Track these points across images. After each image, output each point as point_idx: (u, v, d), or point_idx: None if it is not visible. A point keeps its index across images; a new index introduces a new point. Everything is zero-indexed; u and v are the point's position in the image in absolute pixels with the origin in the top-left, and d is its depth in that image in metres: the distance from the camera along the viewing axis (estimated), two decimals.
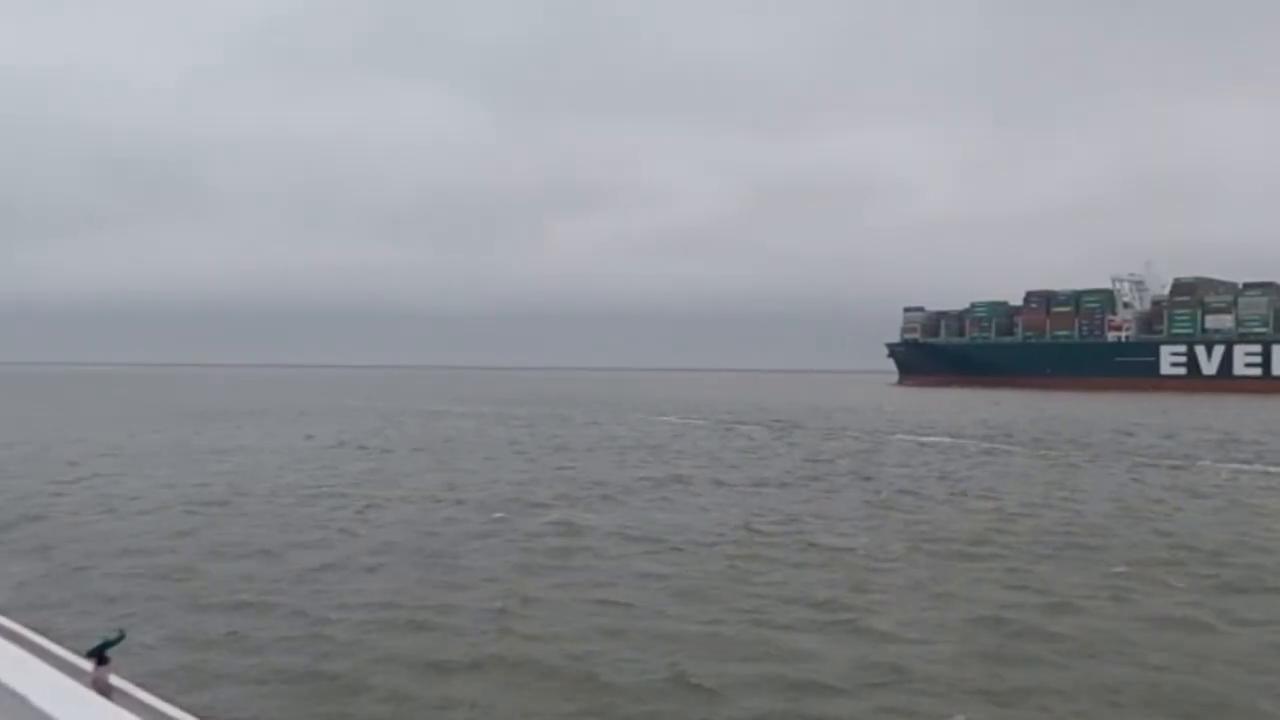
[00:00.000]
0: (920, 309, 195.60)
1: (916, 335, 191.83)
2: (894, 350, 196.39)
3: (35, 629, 6.63)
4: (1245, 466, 38.80)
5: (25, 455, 39.92)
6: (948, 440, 51.71)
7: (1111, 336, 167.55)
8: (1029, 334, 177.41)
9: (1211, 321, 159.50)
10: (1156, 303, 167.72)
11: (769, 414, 79.91)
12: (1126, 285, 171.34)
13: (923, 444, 49.45)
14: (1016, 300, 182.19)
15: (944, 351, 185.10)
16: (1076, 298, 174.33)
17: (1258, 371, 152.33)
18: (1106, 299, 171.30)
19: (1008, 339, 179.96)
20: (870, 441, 51.44)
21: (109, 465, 36.99)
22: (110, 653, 5.82)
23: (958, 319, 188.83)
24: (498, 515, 25.20)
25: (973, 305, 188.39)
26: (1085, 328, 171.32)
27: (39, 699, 3.27)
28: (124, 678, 5.72)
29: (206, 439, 50.16)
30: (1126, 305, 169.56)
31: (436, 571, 18.84)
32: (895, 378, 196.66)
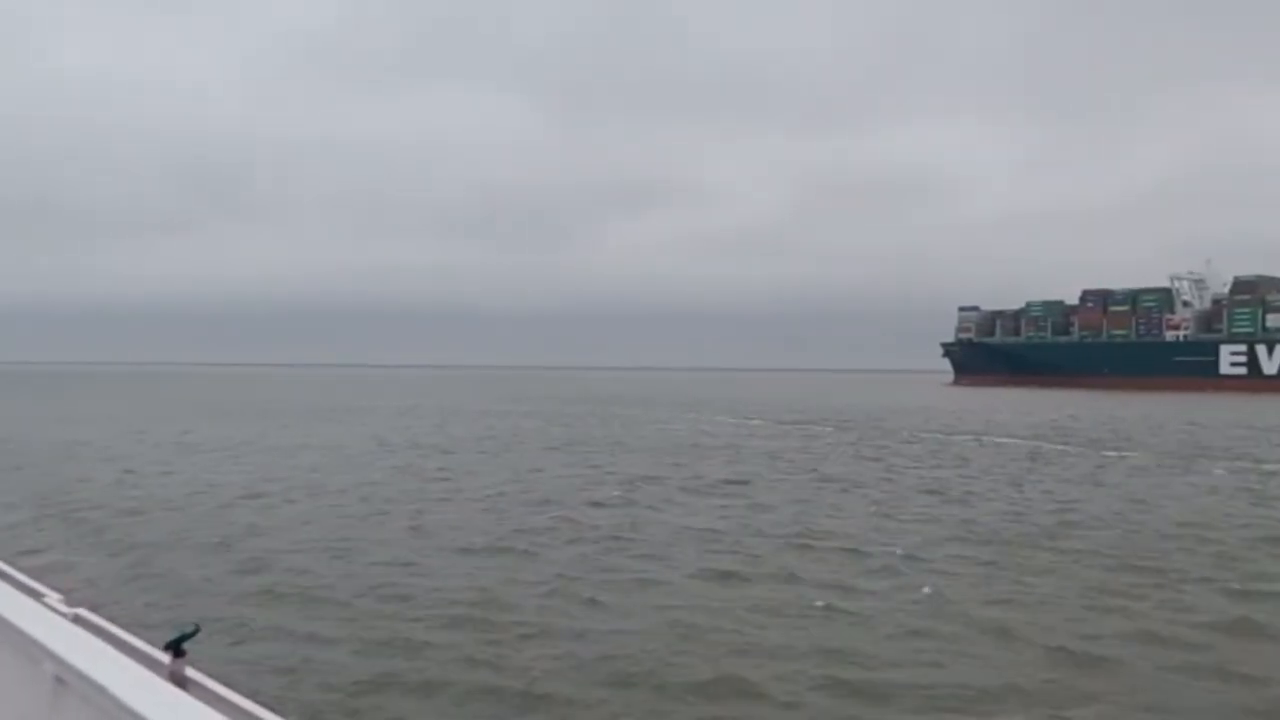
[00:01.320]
0: (975, 308, 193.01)
1: (971, 335, 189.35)
2: (949, 350, 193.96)
3: (116, 621, 6.79)
4: None
5: (118, 452, 40.91)
6: (1056, 446, 48.08)
7: (1169, 336, 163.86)
8: (1085, 333, 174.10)
9: (1273, 320, 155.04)
10: (1216, 301, 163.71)
11: (831, 414, 79.32)
12: (1185, 284, 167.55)
13: (1001, 445, 48.76)
14: (1072, 299, 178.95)
15: (999, 351, 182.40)
16: (1134, 297, 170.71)
17: None
18: (1164, 298, 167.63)
19: (1063, 338, 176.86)
20: (959, 445, 50.76)
21: (190, 460, 37.82)
22: (186, 646, 5.94)
23: (1013, 318, 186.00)
24: (555, 513, 25.33)
25: (1028, 305, 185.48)
26: (1142, 327, 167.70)
27: (118, 689, 3.34)
28: (199, 670, 5.84)
29: (282, 436, 51.01)
30: (1185, 304, 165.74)
31: (513, 567, 18.99)
32: (950, 378, 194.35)
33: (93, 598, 13.45)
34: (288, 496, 28.44)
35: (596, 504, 27.22)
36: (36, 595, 7.16)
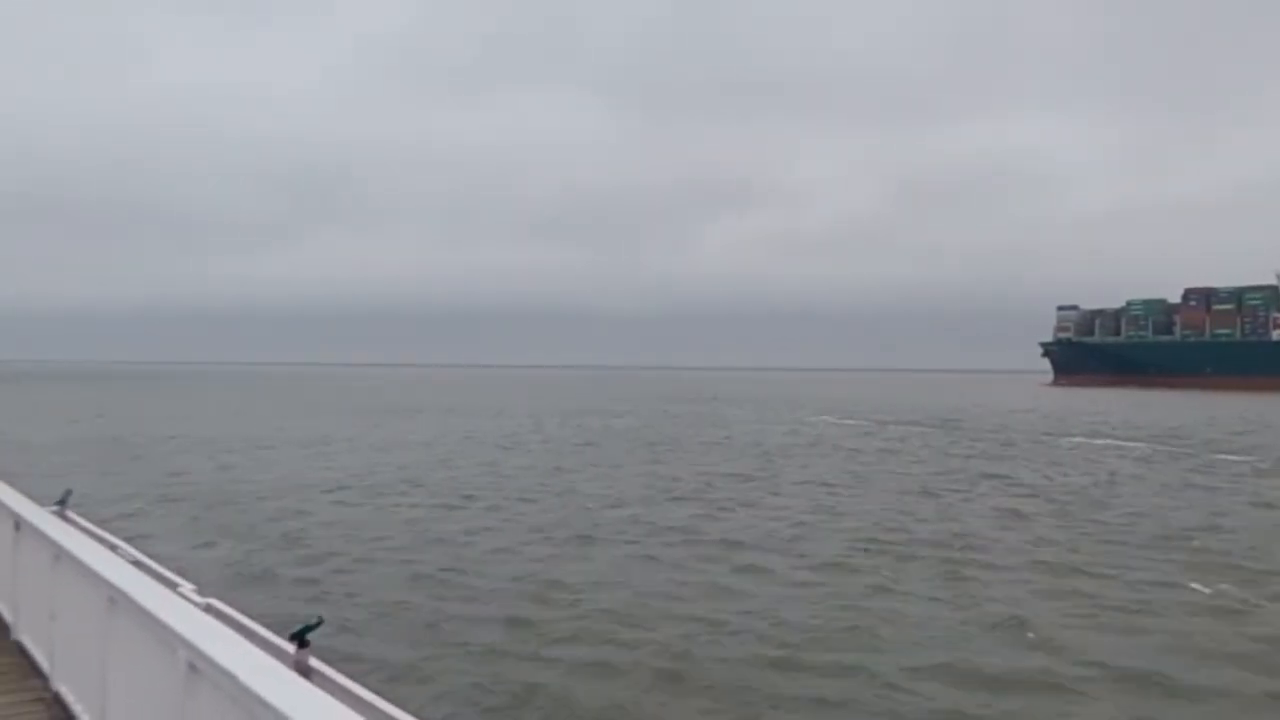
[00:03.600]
0: (1074, 308, 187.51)
1: (1070, 334, 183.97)
2: (1048, 350, 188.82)
3: (246, 612, 7.02)
4: None
5: (248, 450, 42.27)
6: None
7: (1276, 335, 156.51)
8: (1188, 332, 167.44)
9: None
10: None
11: (932, 415, 77.82)
12: None
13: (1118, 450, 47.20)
14: (1174, 297, 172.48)
15: (1099, 351, 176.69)
16: (1239, 295, 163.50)
17: None
18: (1271, 296, 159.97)
19: (1165, 338, 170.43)
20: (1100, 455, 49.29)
21: (303, 455, 38.86)
22: (309, 637, 6.10)
23: (1113, 317, 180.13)
24: (649, 510, 25.32)
25: (1128, 304, 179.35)
26: (1248, 326, 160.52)
27: (246, 677, 3.44)
28: (322, 660, 5.99)
29: (404, 432, 52.04)
30: None
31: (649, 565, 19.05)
32: (1048, 378, 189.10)
33: (225, 583, 13.91)
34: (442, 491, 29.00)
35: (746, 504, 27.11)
36: (171, 585, 7.42)
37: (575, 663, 12.73)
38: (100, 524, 11.05)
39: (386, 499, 27.42)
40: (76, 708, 6.02)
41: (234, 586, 15.32)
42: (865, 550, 20.13)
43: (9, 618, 8.09)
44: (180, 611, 4.47)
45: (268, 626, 6.60)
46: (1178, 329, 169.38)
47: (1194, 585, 17.15)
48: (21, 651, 7.48)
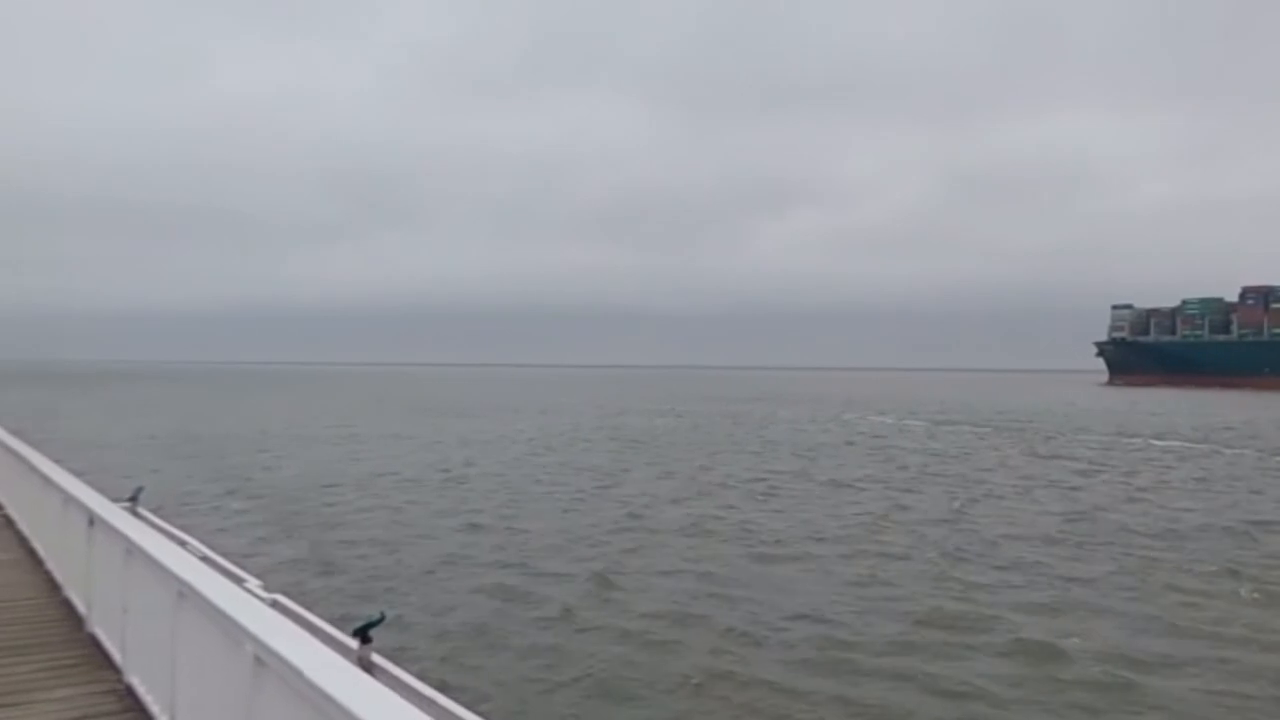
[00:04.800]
0: (1129, 306, 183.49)
1: (1125, 334, 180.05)
2: (1103, 349, 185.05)
3: (310, 609, 7.07)
4: None
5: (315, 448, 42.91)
6: None
7: None
8: (1245, 332, 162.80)
9: None
10: None
11: (993, 415, 76.71)
12: None
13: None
14: (1231, 296, 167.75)
15: (1155, 351, 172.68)
16: None
17: None
18: None
19: (1222, 337, 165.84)
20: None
21: (376, 448, 39.35)
22: (372, 633, 6.12)
23: (1168, 316, 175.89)
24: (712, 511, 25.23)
25: (1184, 302, 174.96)
26: None
27: (310, 672, 3.44)
28: (384, 656, 6.01)
29: (463, 431, 52.48)
30: None
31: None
32: (1102, 377, 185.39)
33: (292, 580, 14.05)
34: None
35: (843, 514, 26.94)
36: (239, 581, 7.50)
37: None
38: (178, 515, 11.22)
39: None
40: (147, 699, 6.08)
41: (299, 581, 15.44)
42: None
43: (83, 610, 8.23)
44: (247, 606, 4.50)
45: (333, 622, 6.65)
46: (1235, 328, 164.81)
47: None
48: (95, 644, 7.60)
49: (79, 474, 9.84)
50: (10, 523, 12.70)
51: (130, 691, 6.41)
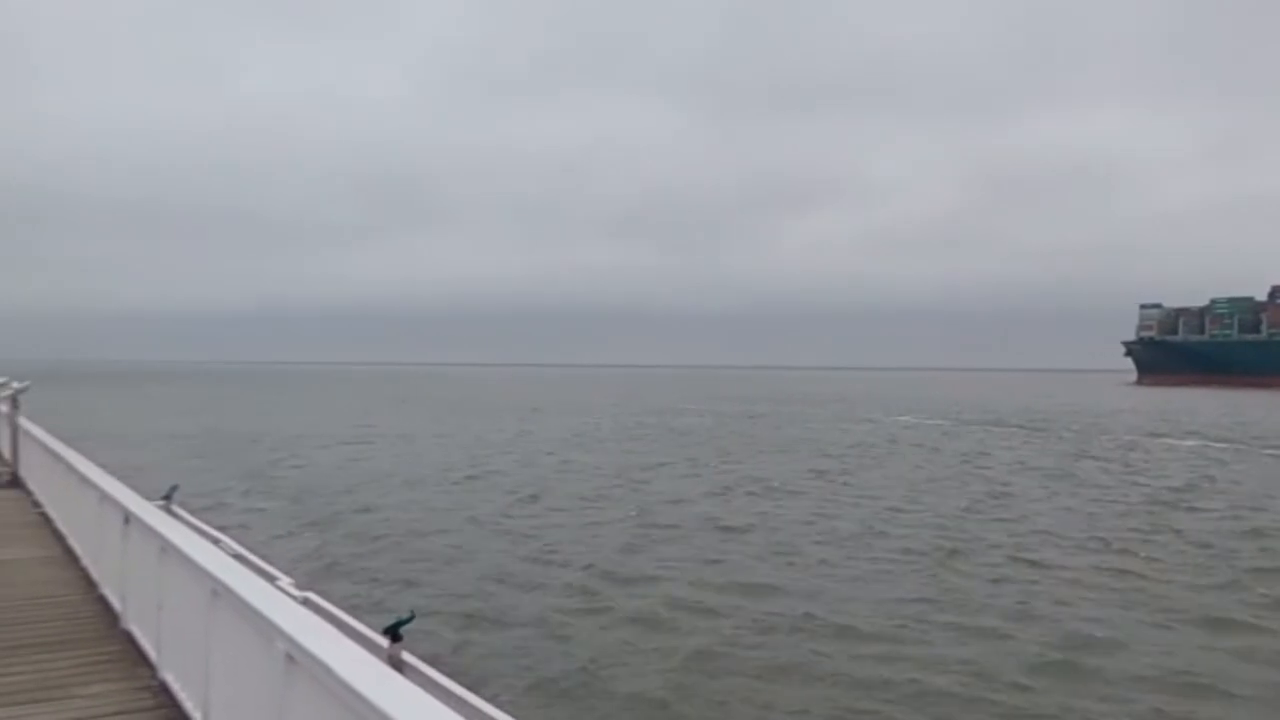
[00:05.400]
0: (1157, 306, 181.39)
1: (1153, 333, 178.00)
2: (1131, 349, 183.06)
3: (343, 607, 7.08)
4: None
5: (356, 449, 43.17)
6: None
7: None
8: (1275, 331, 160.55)
9: None
10: None
11: (1023, 416, 75.94)
12: None
13: None
14: (1261, 295, 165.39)
15: (1183, 350, 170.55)
16: None
17: None
18: None
19: (1252, 336, 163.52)
20: None
21: (391, 450, 39.55)
22: (402, 631, 6.12)
23: (1197, 316, 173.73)
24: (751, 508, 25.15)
25: (1213, 302, 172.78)
26: None
27: (341, 669, 3.44)
28: (415, 654, 6.00)
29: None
30: None
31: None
32: (1130, 377, 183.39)
33: (321, 579, 14.11)
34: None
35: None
36: (271, 579, 7.52)
37: None
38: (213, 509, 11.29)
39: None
40: (181, 695, 6.10)
41: (331, 581, 15.47)
42: None
43: (119, 607, 8.29)
44: (279, 604, 4.50)
45: (364, 620, 6.65)
46: (1264, 327, 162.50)
47: None
48: (130, 640, 7.65)
49: (113, 472, 9.91)
50: (48, 520, 12.84)
51: (164, 688, 6.44)
